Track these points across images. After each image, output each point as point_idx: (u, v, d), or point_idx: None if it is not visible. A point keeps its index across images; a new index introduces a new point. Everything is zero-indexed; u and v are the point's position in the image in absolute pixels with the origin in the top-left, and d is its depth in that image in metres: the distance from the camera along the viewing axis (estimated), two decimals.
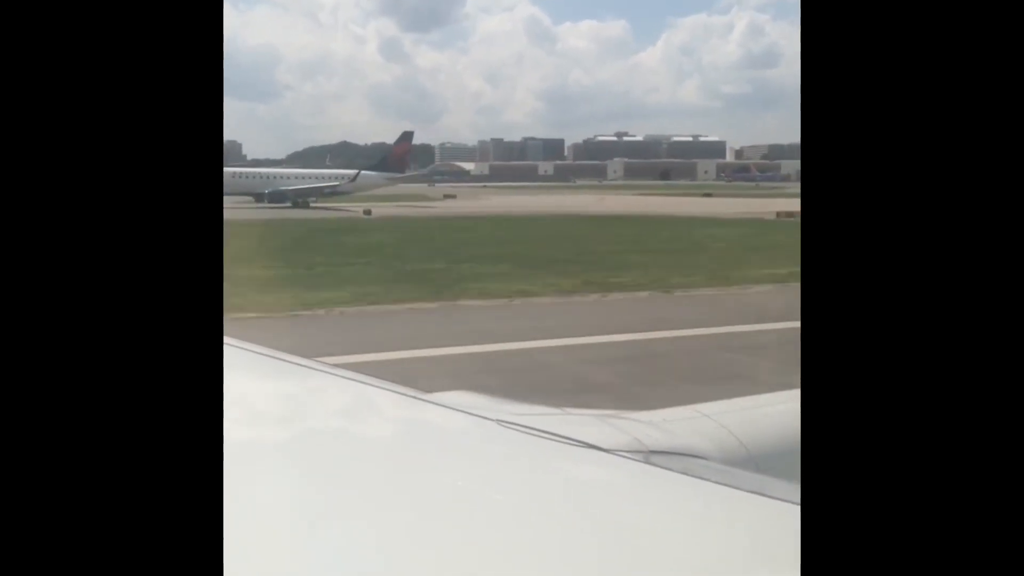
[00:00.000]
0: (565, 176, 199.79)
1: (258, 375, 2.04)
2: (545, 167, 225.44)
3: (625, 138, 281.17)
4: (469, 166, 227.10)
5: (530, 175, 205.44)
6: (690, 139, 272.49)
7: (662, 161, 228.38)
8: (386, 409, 1.76)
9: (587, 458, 1.42)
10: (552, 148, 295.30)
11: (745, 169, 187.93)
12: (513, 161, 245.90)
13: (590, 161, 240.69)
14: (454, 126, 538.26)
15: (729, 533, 1.14)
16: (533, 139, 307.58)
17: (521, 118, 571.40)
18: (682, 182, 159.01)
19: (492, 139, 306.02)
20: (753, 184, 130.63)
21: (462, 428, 1.60)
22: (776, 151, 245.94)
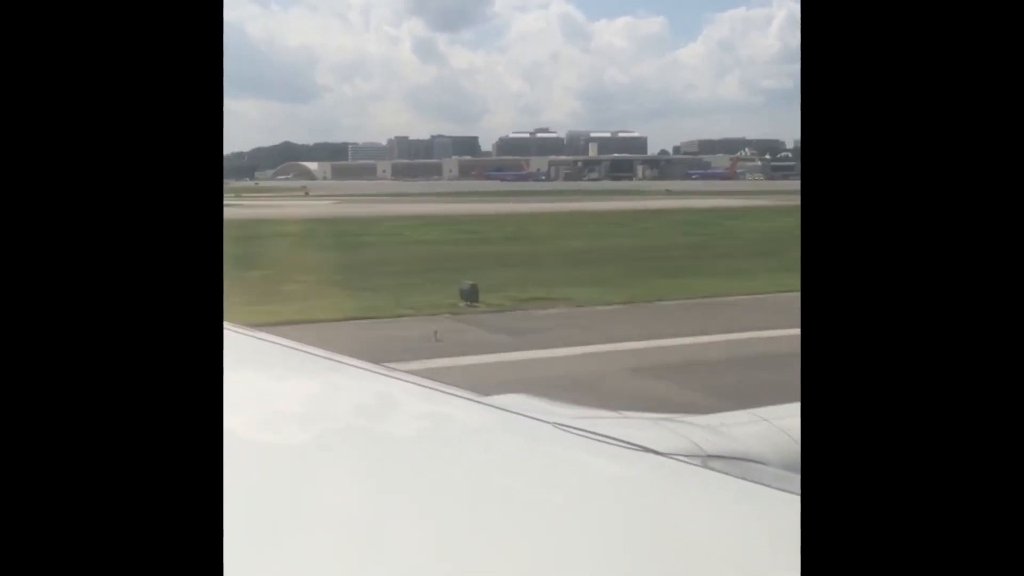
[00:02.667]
0: (401, 176, 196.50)
1: (313, 374, 2.07)
2: (384, 167, 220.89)
3: (540, 134, 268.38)
4: (314, 166, 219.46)
5: (370, 175, 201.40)
6: (608, 135, 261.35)
7: (496, 159, 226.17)
8: (443, 411, 1.75)
9: (644, 462, 1.42)
10: (463, 146, 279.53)
11: (499, 168, 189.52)
12: (415, 160, 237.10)
13: (427, 160, 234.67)
14: (495, 125, 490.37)
15: (789, 539, 1.12)
16: (441, 136, 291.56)
17: (561, 117, 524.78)
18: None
19: (396, 137, 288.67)
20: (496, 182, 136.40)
21: (518, 430, 1.59)
22: (706, 146, 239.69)
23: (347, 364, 2.05)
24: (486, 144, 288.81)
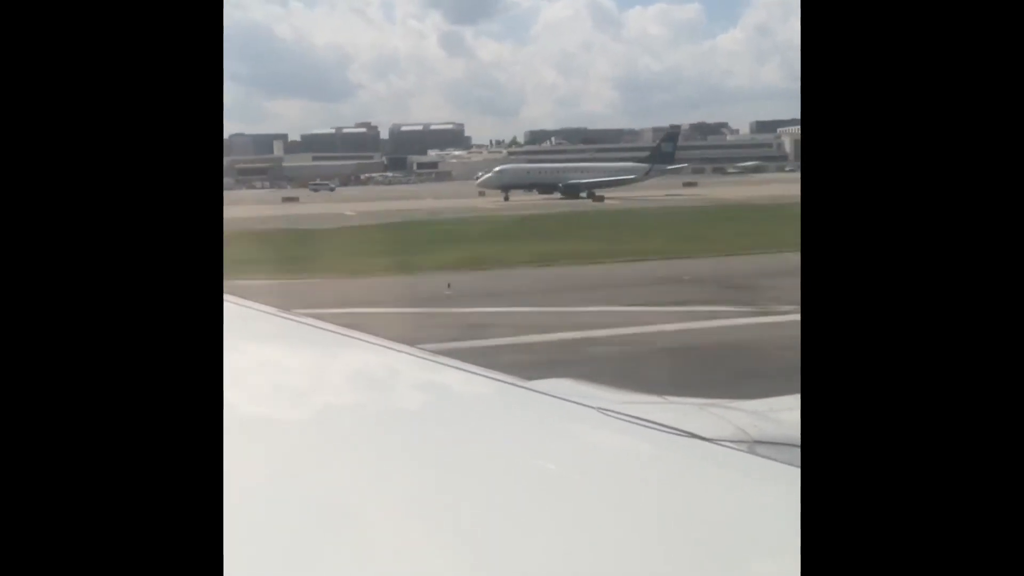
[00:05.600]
0: None
1: (343, 354, 2.05)
2: None
3: (345, 130, 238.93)
4: None
5: None
6: (420, 128, 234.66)
7: None
8: (485, 396, 1.72)
9: (689, 448, 1.40)
10: (265, 144, 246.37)
11: None
12: None
13: None
14: (534, 117, 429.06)
15: None
16: (241, 135, 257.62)
17: (601, 108, 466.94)
18: None
19: None
20: None
21: (561, 415, 1.57)
22: (538, 136, 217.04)
23: (387, 348, 2.01)
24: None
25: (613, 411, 1.49)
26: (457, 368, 1.80)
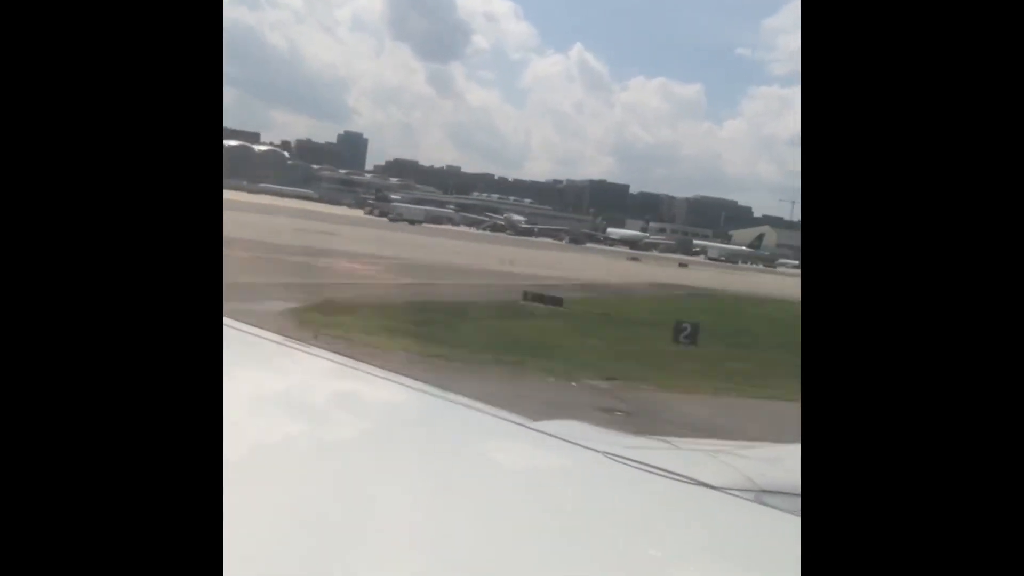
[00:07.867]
0: None
1: (358, 389, 1.97)
2: None
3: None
4: None
5: None
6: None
7: None
8: (487, 435, 1.69)
9: (696, 496, 1.39)
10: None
11: None
12: None
13: None
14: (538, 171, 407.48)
15: None
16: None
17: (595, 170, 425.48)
18: None
19: None
20: None
21: (566, 458, 1.55)
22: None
23: (388, 380, 1.95)
24: None
25: (618, 456, 1.48)
26: (463, 405, 1.78)
